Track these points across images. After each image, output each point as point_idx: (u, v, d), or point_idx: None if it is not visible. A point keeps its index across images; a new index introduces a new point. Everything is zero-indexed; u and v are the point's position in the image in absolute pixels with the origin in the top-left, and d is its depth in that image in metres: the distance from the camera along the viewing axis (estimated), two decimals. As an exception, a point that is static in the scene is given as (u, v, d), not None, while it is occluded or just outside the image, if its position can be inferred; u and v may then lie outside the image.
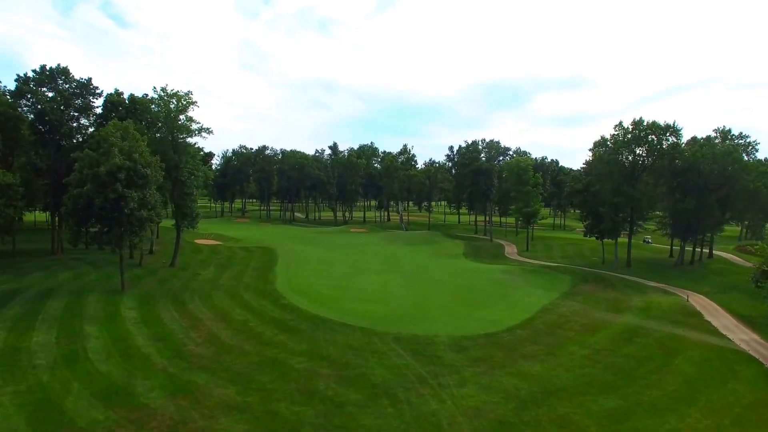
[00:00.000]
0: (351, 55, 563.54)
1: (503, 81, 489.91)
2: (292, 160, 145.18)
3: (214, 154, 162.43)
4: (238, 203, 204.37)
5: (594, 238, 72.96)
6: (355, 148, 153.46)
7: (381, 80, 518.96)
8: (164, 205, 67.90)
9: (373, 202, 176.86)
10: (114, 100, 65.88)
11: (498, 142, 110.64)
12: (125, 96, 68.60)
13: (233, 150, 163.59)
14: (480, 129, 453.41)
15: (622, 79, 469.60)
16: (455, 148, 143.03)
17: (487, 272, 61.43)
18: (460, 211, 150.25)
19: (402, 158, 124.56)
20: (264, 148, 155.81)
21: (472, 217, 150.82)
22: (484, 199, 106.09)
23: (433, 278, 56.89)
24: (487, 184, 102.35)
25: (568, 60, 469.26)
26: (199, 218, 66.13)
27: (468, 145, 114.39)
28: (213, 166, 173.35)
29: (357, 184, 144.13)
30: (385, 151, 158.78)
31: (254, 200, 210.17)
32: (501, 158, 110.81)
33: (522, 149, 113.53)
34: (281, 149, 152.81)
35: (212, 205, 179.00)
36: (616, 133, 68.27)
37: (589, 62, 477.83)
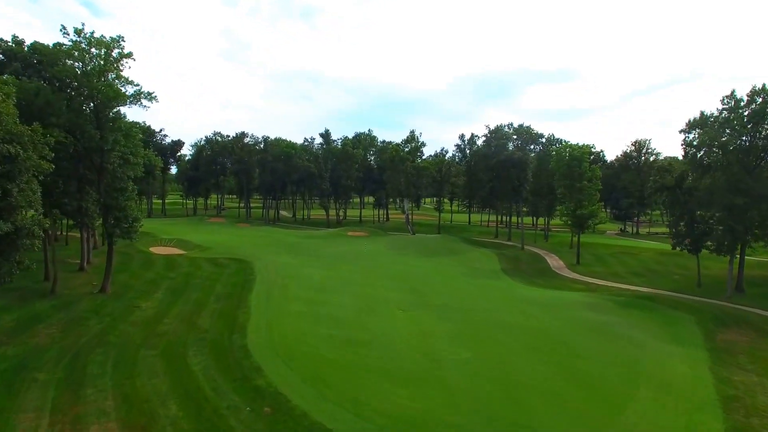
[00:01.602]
0: (338, 48, 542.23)
1: (493, 74, 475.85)
2: (277, 149, 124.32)
3: (183, 143, 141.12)
4: (214, 199, 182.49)
5: (684, 251, 54.22)
6: (350, 137, 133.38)
7: (369, 73, 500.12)
8: (96, 204, 47.59)
9: (370, 199, 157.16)
10: (5, 49, 44.58)
11: (529, 127, 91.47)
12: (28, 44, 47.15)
13: (206, 137, 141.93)
14: (470, 123, 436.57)
15: (614, 73, 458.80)
16: (467, 136, 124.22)
17: (563, 306, 42.11)
18: (471, 210, 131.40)
19: (408, 147, 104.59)
20: (243, 134, 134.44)
21: (486, 217, 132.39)
22: (514, 197, 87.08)
23: (491, 319, 37.36)
24: (520, 178, 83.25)
25: (558, 53, 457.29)
26: (140, 224, 45.47)
27: (492, 131, 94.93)
28: (186, 158, 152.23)
29: (353, 178, 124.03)
30: (384, 141, 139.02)
31: (233, 196, 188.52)
32: (531, 146, 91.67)
33: (555, 136, 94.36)
34: (263, 136, 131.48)
35: (185, 202, 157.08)
36: (724, 107, 49.62)
37: (579, 56, 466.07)
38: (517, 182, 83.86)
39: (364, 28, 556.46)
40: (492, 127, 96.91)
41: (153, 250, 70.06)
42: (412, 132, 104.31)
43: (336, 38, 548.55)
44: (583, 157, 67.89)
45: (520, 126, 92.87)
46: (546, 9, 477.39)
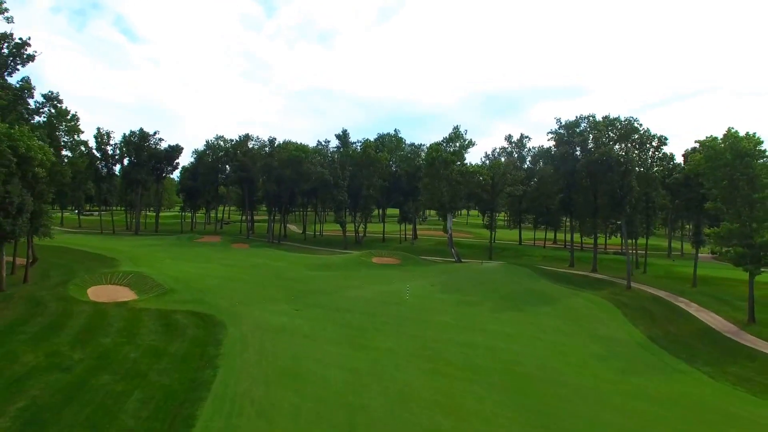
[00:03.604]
0: (351, 64, 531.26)
1: (502, 90, 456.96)
2: (285, 153, 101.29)
3: (182, 149, 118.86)
4: (221, 212, 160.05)
5: None
6: (372, 140, 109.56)
7: (382, 89, 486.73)
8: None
9: (393, 212, 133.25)
10: None
11: (617, 119, 65.81)
12: None
13: (207, 141, 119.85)
14: (481, 136, 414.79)
15: (619, 89, 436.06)
16: (515, 137, 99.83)
17: None
18: (521, 226, 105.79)
19: (451, 148, 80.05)
20: (246, 137, 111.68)
21: (541, 235, 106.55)
22: (613, 212, 61.87)
23: None
24: (624, 186, 58.22)
25: (566, 71, 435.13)
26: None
27: (566, 126, 70.40)
28: (182, 165, 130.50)
29: (376, 187, 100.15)
30: (414, 144, 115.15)
31: (235, 208, 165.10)
32: (620, 144, 65.94)
33: (649, 130, 67.71)
34: (269, 137, 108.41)
35: (183, 215, 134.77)
36: None
37: (586, 72, 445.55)
38: (620, 192, 58.67)
39: (378, 46, 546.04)
40: (563, 120, 72.15)
41: (91, 293, 46.50)
42: (457, 128, 79.88)
43: (349, 56, 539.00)
44: (757, 153, 42.75)
45: (606, 117, 67.36)
46: (554, 28, 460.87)
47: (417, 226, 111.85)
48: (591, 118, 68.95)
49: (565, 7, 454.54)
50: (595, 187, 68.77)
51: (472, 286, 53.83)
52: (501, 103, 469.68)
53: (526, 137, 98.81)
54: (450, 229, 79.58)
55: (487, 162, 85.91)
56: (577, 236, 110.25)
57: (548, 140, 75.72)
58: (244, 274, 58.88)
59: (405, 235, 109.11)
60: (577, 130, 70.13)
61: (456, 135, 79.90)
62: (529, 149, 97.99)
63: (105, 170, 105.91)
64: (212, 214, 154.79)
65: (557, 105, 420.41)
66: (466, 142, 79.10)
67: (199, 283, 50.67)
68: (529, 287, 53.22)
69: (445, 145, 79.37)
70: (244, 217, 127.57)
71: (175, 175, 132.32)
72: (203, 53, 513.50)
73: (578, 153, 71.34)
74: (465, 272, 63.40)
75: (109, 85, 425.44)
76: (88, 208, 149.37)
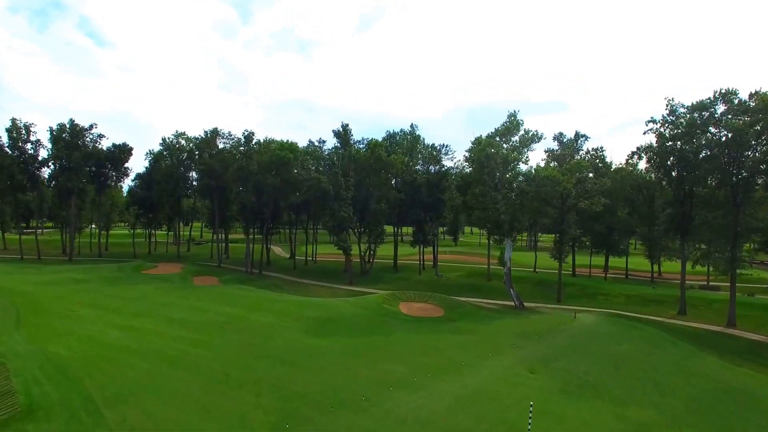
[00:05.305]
0: (332, 77, 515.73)
1: (487, 104, 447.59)
2: (266, 154, 76.48)
3: (131, 149, 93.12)
4: (195, 228, 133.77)
5: None
6: (379, 140, 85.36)
7: (365, 104, 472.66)
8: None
9: (407, 230, 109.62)
10: None
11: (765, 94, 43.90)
12: None
13: (163, 140, 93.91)
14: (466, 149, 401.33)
15: (602, 106, 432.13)
16: (568, 135, 77.13)
17: None
18: (575, 251, 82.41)
19: (507, 144, 56.51)
20: (215, 133, 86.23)
21: (597, 261, 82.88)
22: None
23: None
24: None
25: (550, 86, 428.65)
26: None
27: (690, 108, 47.94)
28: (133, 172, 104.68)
29: (390, 198, 76.34)
30: (434, 144, 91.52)
31: (207, 224, 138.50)
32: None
33: None
34: (245, 132, 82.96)
35: (135, 232, 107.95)
36: None
37: (570, 90, 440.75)
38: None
39: (360, 58, 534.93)
40: (677, 102, 49.59)
41: None
42: (513, 115, 56.37)
43: (330, 68, 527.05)
44: None
45: (758, 92, 45.21)
46: (539, 45, 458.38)
47: (427, 249, 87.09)
48: (731, 96, 46.47)
49: (550, 18, 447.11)
50: (736, 200, 46.46)
51: (603, 372, 29.67)
52: (486, 116, 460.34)
53: (583, 136, 76.21)
54: (509, 260, 55.40)
55: (553, 164, 62.43)
56: (639, 262, 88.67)
57: (645, 133, 53.05)
58: (197, 346, 33.53)
59: (422, 260, 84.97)
60: (711, 115, 47.64)
61: (513, 125, 56.31)
62: (587, 151, 75.46)
63: (25, 176, 79.48)
64: (180, 231, 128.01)
65: (540, 120, 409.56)
66: (530, 134, 55.51)
67: (103, 380, 25.34)
68: (705, 373, 29.45)
69: (499, 139, 55.68)
70: (215, 237, 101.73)
71: (129, 183, 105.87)
72: (181, 64, 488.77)
73: (701, 148, 49.10)
74: (561, 337, 39.15)
75: (79, 92, 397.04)
76: (25, 226, 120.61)
